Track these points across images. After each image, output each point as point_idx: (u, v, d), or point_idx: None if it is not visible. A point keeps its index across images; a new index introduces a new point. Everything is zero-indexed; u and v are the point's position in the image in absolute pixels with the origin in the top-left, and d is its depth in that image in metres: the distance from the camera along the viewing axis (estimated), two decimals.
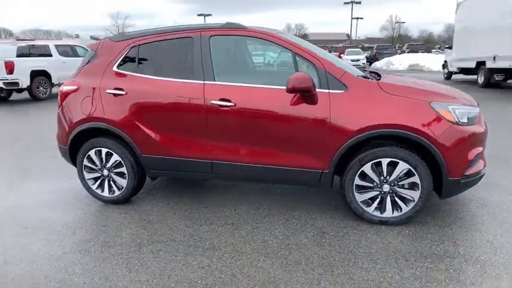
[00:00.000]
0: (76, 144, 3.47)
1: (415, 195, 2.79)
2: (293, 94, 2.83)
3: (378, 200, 2.89)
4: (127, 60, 3.31)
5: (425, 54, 27.99)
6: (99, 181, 3.51)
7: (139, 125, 3.22)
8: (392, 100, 2.74)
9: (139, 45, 3.29)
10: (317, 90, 2.79)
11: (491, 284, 2.19)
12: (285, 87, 2.83)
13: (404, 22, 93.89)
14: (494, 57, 10.99)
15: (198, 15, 53.32)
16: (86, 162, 3.47)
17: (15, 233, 3.04)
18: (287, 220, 3.09)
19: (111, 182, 3.47)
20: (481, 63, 11.97)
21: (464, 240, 2.68)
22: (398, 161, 2.74)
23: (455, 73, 14.81)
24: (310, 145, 2.87)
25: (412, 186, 2.80)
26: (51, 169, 4.63)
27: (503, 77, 11.24)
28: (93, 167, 3.47)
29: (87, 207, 3.49)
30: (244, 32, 3.10)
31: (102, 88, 3.29)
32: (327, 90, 2.81)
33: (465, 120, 2.74)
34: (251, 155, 3.03)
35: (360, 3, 52.32)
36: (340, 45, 51.92)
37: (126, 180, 3.40)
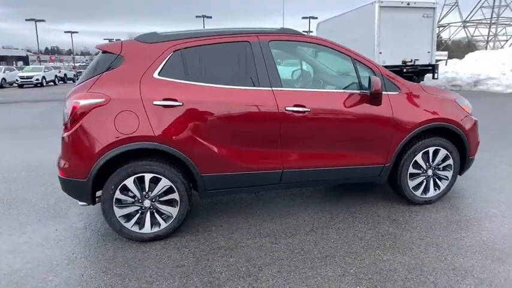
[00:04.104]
0: (102, 174, 2.69)
1: (449, 174, 3.43)
2: (360, 96, 3.04)
3: (424, 183, 3.40)
4: (170, 65, 2.79)
5: None
6: (136, 216, 2.81)
7: (200, 140, 2.77)
8: (433, 99, 3.30)
9: (183, 48, 2.83)
10: None
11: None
12: (350, 91, 3.04)
13: None
14: None
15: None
16: (118, 195, 2.72)
17: None
18: (355, 216, 3.25)
19: (156, 214, 2.84)
20: None
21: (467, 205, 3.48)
22: (441, 148, 3.32)
23: None
24: (376, 143, 3.14)
25: (447, 167, 3.42)
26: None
27: None
28: (130, 199, 2.76)
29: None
30: (303, 38, 3.11)
31: (146, 99, 2.67)
32: (386, 92, 3.13)
33: (472, 112, 3.56)
34: (322, 158, 3.06)
35: (210, 17, 54.66)
36: None
37: (178, 208, 2.85)
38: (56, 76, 28.44)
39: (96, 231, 3.08)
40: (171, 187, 2.79)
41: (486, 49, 41.81)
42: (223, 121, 2.81)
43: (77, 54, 73.97)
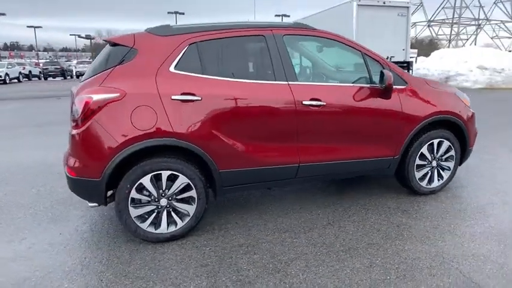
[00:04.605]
0: (117, 172, 2.56)
1: (451, 165, 3.56)
2: (372, 90, 3.09)
3: (429, 174, 3.51)
4: (186, 59, 2.69)
5: None
6: (152, 216, 2.70)
7: (219, 135, 2.70)
8: (436, 92, 3.41)
9: (198, 41, 2.74)
10: None
11: None
12: (362, 85, 3.08)
13: None
14: None
15: None
16: (134, 194, 2.60)
17: None
18: (366, 209, 3.31)
19: (172, 213, 2.74)
20: None
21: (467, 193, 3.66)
22: (444, 140, 3.44)
23: None
24: (387, 135, 3.20)
25: (449, 158, 3.55)
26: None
27: None
28: (146, 198, 2.65)
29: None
30: (315, 33, 3.10)
31: (163, 94, 2.56)
32: (394, 86, 3.20)
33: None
34: (336, 152, 3.08)
35: (183, 14, 53.84)
36: None
37: (195, 206, 2.76)
38: (20, 73, 26.79)
39: (104, 234, 2.93)
40: (188, 184, 2.70)
41: (449, 47, 44.00)
42: (242, 116, 2.75)
43: (39, 50, 70.12)
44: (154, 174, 2.60)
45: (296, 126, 2.89)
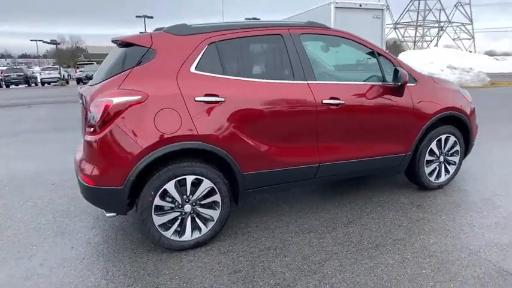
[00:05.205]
0: (140, 180, 2.43)
1: (457, 159, 3.69)
2: (385, 88, 3.13)
3: (437, 169, 3.61)
4: (207, 59, 2.60)
5: None
6: (176, 224, 2.58)
7: (242, 137, 2.63)
8: (442, 89, 3.52)
9: (218, 41, 2.66)
10: None
11: None
12: (376, 83, 3.13)
13: None
14: None
15: None
16: (158, 201, 2.48)
17: None
18: (382, 206, 3.35)
19: (196, 219, 2.64)
20: None
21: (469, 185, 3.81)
22: (451, 135, 3.55)
23: None
24: (400, 132, 3.26)
25: (454, 153, 3.67)
26: None
27: None
28: (169, 205, 2.53)
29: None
30: (330, 32, 3.11)
31: (187, 96, 2.47)
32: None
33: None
34: (354, 150, 3.10)
35: (152, 17, 52.88)
36: None
37: (219, 210, 2.68)
38: None
39: (121, 245, 2.77)
40: (212, 188, 2.61)
41: (414, 49, 46.02)
42: (265, 116, 2.70)
43: None
44: (177, 180, 2.50)
45: (316, 126, 2.88)
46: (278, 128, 2.76)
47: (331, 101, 2.89)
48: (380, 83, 3.16)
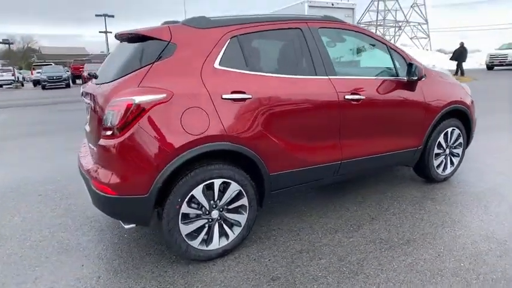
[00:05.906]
0: (166, 186, 2.21)
1: (460, 151, 3.78)
2: (398, 83, 3.12)
3: (443, 162, 3.68)
4: (230, 53, 2.43)
5: None
6: (203, 232, 2.39)
7: (269, 135, 2.49)
8: (448, 83, 3.59)
9: (239, 34, 2.50)
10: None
11: None
12: (391, 77, 3.12)
13: None
14: None
15: None
16: (185, 209, 2.27)
17: None
18: (398, 201, 3.34)
19: (224, 225, 2.46)
20: None
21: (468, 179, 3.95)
22: (455, 128, 3.63)
23: None
24: (414, 126, 3.28)
25: (458, 145, 3.76)
26: None
27: None
28: (197, 212, 2.34)
29: None
30: (346, 26, 3.04)
31: (213, 93, 2.28)
32: None
33: None
34: (373, 146, 3.06)
35: (113, 16, 50.82)
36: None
37: (246, 214, 2.52)
38: None
39: (138, 259, 2.53)
40: (240, 192, 2.45)
41: None
42: (291, 113, 2.58)
43: None
44: (206, 184, 2.31)
45: (339, 122, 2.80)
46: (304, 125, 2.65)
47: (353, 96, 2.83)
48: (393, 78, 3.15)
